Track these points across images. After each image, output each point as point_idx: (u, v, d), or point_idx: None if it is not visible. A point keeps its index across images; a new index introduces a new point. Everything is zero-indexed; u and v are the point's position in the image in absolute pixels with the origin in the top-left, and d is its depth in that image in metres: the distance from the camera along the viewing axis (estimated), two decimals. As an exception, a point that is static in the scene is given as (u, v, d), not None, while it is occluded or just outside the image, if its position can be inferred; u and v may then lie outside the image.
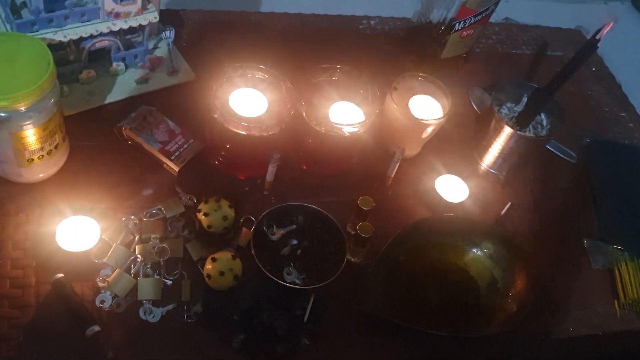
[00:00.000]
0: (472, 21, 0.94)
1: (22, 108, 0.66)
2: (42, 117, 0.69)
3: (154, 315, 0.69)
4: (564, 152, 0.97)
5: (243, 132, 0.76)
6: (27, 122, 0.68)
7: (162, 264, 0.73)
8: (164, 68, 0.91)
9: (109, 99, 0.86)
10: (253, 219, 0.78)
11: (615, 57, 1.26)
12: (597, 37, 0.72)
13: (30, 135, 0.69)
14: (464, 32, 0.96)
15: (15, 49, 0.68)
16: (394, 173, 0.85)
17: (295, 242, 0.78)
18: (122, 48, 0.88)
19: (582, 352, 0.78)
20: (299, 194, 0.83)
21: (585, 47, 0.74)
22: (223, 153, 0.82)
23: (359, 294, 0.73)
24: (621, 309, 0.82)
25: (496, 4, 0.94)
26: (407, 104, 0.86)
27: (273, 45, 0.99)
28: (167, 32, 0.92)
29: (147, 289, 0.70)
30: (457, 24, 0.93)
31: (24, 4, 0.78)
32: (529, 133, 0.87)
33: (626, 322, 0.82)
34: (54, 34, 0.79)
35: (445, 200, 0.85)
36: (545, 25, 1.22)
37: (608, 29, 0.70)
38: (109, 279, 0.70)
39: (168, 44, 0.92)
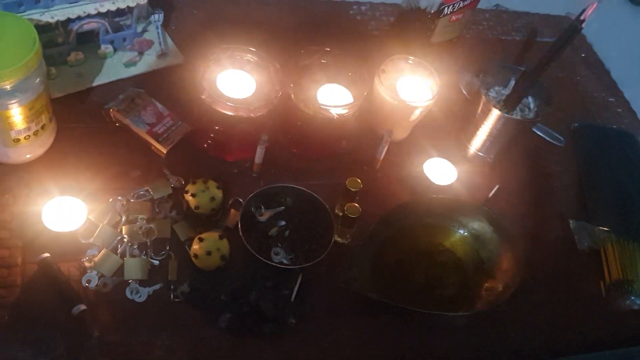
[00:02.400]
0: (461, 5, 0.94)
1: (8, 86, 0.66)
2: (27, 96, 0.68)
3: (141, 294, 0.69)
4: (552, 136, 0.97)
5: (231, 113, 0.76)
6: (13, 101, 0.68)
7: (149, 244, 0.73)
8: (153, 51, 0.91)
9: (97, 82, 0.86)
10: (241, 200, 0.78)
11: (607, 47, 1.26)
12: (582, 17, 0.72)
13: (16, 114, 0.69)
14: (453, 17, 0.96)
15: (1, 27, 0.67)
16: (382, 156, 0.85)
17: (283, 223, 0.78)
18: (110, 31, 0.87)
19: (568, 332, 0.79)
20: (287, 176, 0.83)
21: (569, 29, 0.74)
22: (211, 135, 0.82)
23: (346, 274, 0.73)
24: (606, 290, 0.83)
25: (485, -12, 0.95)
26: (395, 86, 0.86)
27: (262, 28, 0.99)
28: (156, 15, 0.92)
29: (133, 268, 0.70)
30: (446, 8, 0.93)
31: (11, -15, 0.78)
32: (517, 116, 0.87)
33: (611, 302, 0.82)
34: (41, 15, 0.79)
35: (434, 183, 0.85)
36: (535, 12, 1.22)
37: (592, 9, 0.71)
38: (96, 259, 0.70)
39: (157, 27, 0.92)
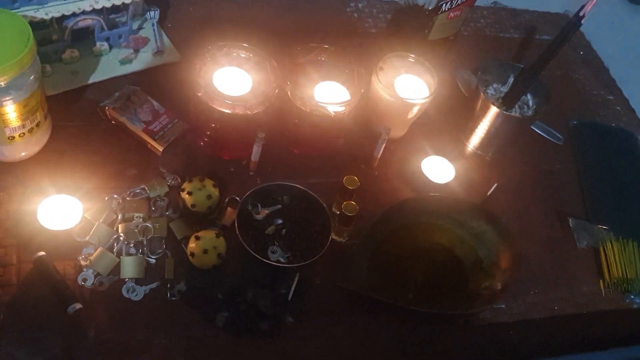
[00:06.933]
0: (459, 2, 0.93)
1: (2, 83, 0.65)
2: (22, 94, 0.68)
3: (137, 293, 0.69)
4: (550, 134, 0.97)
5: (227, 111, 0.76)
6: (7, 98, 0.67)
7: (145, 242, 0.72)
8: (149, 48, 0.91)
9: (93, 79, 0.86)
10: (238, 199, 0.78)
11: (605, 45, 1.25)
12: (581, 14, 0.71)
13: (11, 111, 0.68)
14: (451, 14, 0.95)
15: (-5, 24, 0.67)
16: (380, 154, 0.85)
17: (280, 221, 0.77)
18: (105, 28, 0.87)
19: (567, 331, 0.79)
20: (284, 174, 0.82)
21: (568, 25, 0.74)
22: (208, 133, 0.82)
23: (343, 272, 0.73)
24: (606, 288, 0.83)
25: (483, -15, 0.94)
26: (392, 84, 0.86)
27: (259, 25, 0.99)
28: (152, 13, 0.91)
29: (130, 267, 0.70)
30: (444, 4, 0.93)
31: (5, -19, 0.77)
32: (515, 113, 0.87)
33: (611, 301, 0.82)
34: (35, 11, 0.78)
35: (432, 181, 0.85)
36: (533, 9, 1.21)
37: (591, 5, 0.70)
38: (92, 258, 0.69)
39: (153, 24, 0.91)
